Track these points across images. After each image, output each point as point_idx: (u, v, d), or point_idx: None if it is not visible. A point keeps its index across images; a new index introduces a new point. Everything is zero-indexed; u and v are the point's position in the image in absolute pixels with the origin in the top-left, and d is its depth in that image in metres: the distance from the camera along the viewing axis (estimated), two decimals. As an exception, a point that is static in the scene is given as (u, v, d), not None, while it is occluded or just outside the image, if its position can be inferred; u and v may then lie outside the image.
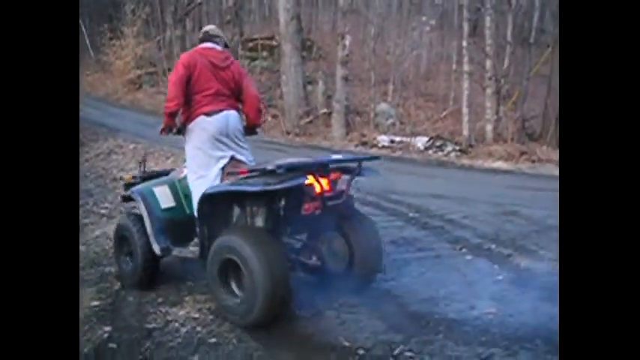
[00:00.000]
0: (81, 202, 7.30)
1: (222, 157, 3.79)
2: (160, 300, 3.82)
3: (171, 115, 3.80)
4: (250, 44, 21.96)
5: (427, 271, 4.35)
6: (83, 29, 30.77)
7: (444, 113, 16.85)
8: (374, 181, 7.21)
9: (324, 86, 16.65)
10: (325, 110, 16.03)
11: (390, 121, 15.64)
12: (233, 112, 3.89)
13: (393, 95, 17.89)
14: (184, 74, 3.73)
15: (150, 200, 3.96)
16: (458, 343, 3.08)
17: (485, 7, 14.12)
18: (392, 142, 13.83)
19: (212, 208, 3.56)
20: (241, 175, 3.40)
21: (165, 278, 4.19)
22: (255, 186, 3.13)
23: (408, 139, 13.68)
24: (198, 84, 3.77)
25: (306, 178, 3.22)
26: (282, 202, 3.44)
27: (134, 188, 4.15)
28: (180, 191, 4.06)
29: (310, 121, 15.91)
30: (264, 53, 21.60)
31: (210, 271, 3.41)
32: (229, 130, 3.83)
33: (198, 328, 3.31)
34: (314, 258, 3.67)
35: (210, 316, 3.47)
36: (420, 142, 13.41)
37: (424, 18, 19.03)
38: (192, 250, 3.86)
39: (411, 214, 6.36)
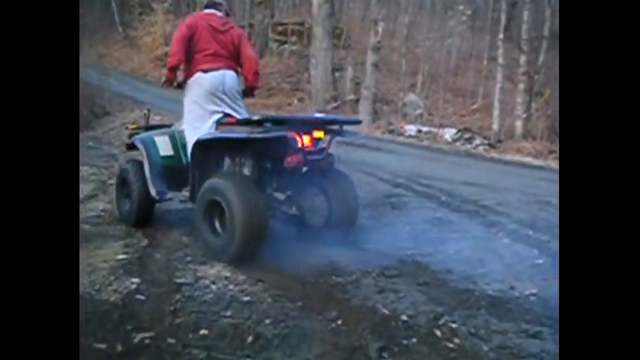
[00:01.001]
0: (106, 164, 7.25)
1: (216, 112, 4.10)
2: (188, 259, 3.68)
3: (172, 70, 4.13)
4: (280, 28, 21.84)
5: (464, 250, 4.18)
6: (113, 5, 30.82)
7: (473, 107, 16.60)
8: (402, 164, 7.19)
9: (352, 73, 16.46)
10: (352, 97, 15.84)
11: (418, 111, 15.43)
12: (230, 72, 4.19)
13: (421, 87, 17.66)
14: (186, 34, 4.08)
15: (150, 148, 4.30)
16: (502, 319, 2.93)
17: (524, 0, 13.82)
18: (419, 131, 13.62)
19: (203, 155, 3.93)
20: (231, 125, 3.77)
21: (193, 239, 4.06)
22: (240, 134, 3.58)
23: (436, 130, 13.45)
24: (199, 44, 4.11)
25: (289, 131, 3.45)
26: (267, 153, 3.70)
27: (137, 136, 4.50)
28: (179, 142, 4.38)
29: (337, 107, 15.73)
30: (294, 38, 21.46)
31: (197, 211, 3.77)
32: (225, 88, 4.13)
33: (230, 286, 3.16)
34: (294, 209, 4.03)
35: (242, 276, 3.33)
36: (448, 133, 13.18)
37: (461, 7, 18.74)
38: (184, 194, 4.20)
39: (443, 198, 6.17)
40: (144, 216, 4.44)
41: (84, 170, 6.55)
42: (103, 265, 3.44)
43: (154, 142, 4.33)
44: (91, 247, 3.82)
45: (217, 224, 3.70)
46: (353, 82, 16.20)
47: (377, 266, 3.64)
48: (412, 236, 4.48)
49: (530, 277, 3.68)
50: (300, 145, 3.51)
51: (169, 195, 4.24)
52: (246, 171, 3.84)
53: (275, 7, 23.45)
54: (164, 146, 4.35)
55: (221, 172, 3.93)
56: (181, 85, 4.28)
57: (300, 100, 16.90)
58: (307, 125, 3.66)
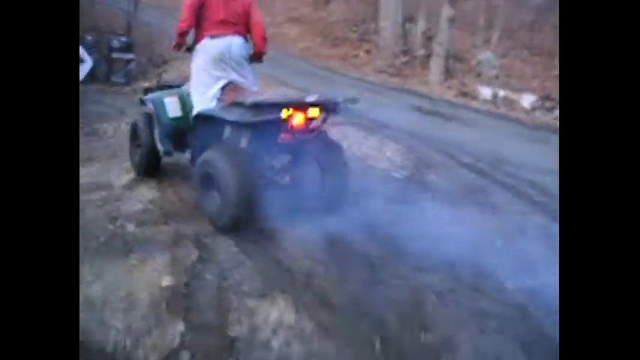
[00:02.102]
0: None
1: (221, 78, 4.24)
2: (244, 287, 3.07)
3: (182, 35, 4.28)
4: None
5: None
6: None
7: (556, 72, 15.23)
8: (480, 142, 7.24)
9: (424, 25, 15.31)
10: (423, 52, 14.77)
11: (494, 72, 14.24)
12: (237, 38, 4.29)
13: (497, 44, 16.34)
14: (197, 1, 4.17)
15: (160, 108, 4.51)
16: None
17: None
18: (495, 96, 12.54)
19: (204, 125, 4.14)
20: (226, 104, 4.01)
21: (250, 249, 3.45)
22: (232, 116, 3.83)
23: (513, 95, 12.35)
24: (208, 11, 4.22)
25: (279, 115, 3.68)
26: (263, 130, 3.87)
27: (148, 96, 4.72)
28: (188, 104, 4.49)
29: (406, 62, 14.72)
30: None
31: (196, 179, 4.02)
32: (231, 54, 4.26)
33: (296, 344, 2.54)
34: (287, 178, 4.22)
35: (311, 323, 2.68)
36: (527, 100, 12.06)
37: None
38: (187, 156, 4.43)
39: (536, 197, 5.34)
40: (151, 169, 4.82)
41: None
42: (144, 296, 2.85)
43: (162, 103, 4.53)
44: (133, 261, 3.24)
45: (213, 193, 3.85)
46: (424, 36, 15.06)
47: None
48: (511, 259, 3.72)
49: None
50: (290, 125, 3.80)
51: (174, 154, 4.57)
52: (244, 143, 4.00)
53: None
54: (173, 107, 4.54)
55: (217, 144, 4.04)
56: (191, 49, 4.39)
57: (368, 52, 15.91)
58: (300, 105, 3.82)
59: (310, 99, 3.86)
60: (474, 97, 12.51)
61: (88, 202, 4.11)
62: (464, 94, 12.73)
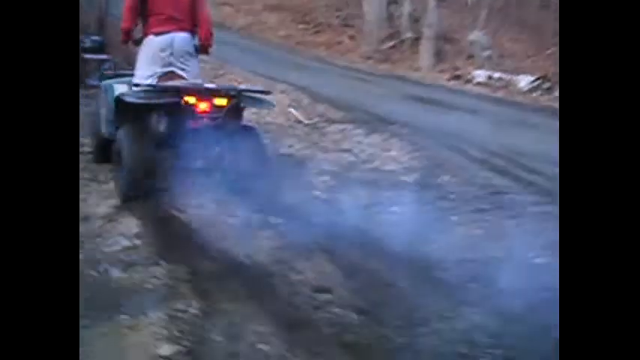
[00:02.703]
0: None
1: (160, 70, 4.52)
2: (262, 347, 2.52)
3: (126, 34, 4.67)
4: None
5: None
6: None
7: (549, 51, 14.70)
8: (487, 131, 7.11)
9: (410, 6, 14.71)
10: (410, 35, 14.20)
11: (487, 53, 13.70)
12: (180, 34, 4.57)
13: (485, 23, 15.78)
14: (136, 1, 4.50)
15: (109, 93, 4.73)
16: None
17: None
18: (490, 78, 12.04)
19: (126, 108, 4.35)
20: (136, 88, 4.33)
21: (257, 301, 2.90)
22: (133, 98, 4.20)
23: (509, 77, 11.85)
24: (153, 8, 4.51)
25: (176, 99, 4.09)
26: (175, 115, 4.19)
27: (103, 82, 5.07)
28: None
29: (393, 46, 14.15)
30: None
31: (115, 156, 4.45)
32: (174, 49, 4.54)
33: None
34: (199, 162, 4.29)
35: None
36: (524, 81, 11.58)
37: None
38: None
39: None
40: (101, 153, 4.98)
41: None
42: (138, 376, 2.29)
43: (112, 88, 4.72)
44: (122, 322, 2.67)
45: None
46: (411, 18, 14.48)
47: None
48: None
49: None
50: (197, 112, 4.16)
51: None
52: (162, 127, 4.27)
53: None
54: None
55: (129, 125, 4.33)
56: (139, 43, 4.68)
57: (352, 38, 15.31)
58: (206, 93, 4.21)
59: (209, 86, 4.44)
60: (468, 80, 12.04)
61: (64, 241, 3.51)
62: (457, 77, 12.23)
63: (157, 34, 4.50)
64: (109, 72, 5.32)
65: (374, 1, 14.35)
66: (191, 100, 4.10)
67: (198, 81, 4.60)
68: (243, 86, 5.00)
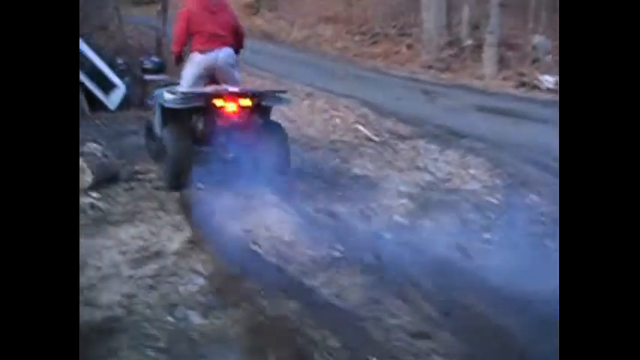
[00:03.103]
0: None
1: (204, 82, 5.09)
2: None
3: (177, 56, 5.28)
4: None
5: None
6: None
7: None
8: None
9: (470, 12, 14.24)
10: (470, 42, 13.73)
11: (550, 57, 13.10)
12: (223, 50, 5.06)
13: (546, 25, 15.13)
14: (185, 24, 5.02)
15: (159, 99, 5.20)
16: None
17: None
18: (557, 84, 11.46)
19: (168, 112, 4.96)
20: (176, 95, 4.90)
21: None
22: (171, 103, 4.85)
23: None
24: (196, 27, 4.99)
25: (202, 103, 4.73)
26: (209, 115, 4.77)
27: (154, 92, 5.69)
28: None
29: (454, 54, 13.70)
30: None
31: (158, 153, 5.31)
32: (217, 64, 5.05)
33: None
34: (230, 155, 4.82)
35: None
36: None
37: None
38: None
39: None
40: (156, 153, 5.49)
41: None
42: None
43: (161, 96, 5.14)
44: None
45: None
46: (471, 25, 14.01)
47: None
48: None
49: None
50: (225, 112, 4.71)
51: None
52: (200, 125, 4.86)
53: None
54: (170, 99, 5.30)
55: (167, 128, 4.94)
56: (184, 57, 5.22)
57: (409, 47, 14.93)
58: (231, 96, 4.74)
59: (232, 89, 4.89)
60: (536, 87, 11.49)
61: (137, 281, 3.28)
62: (523, 84, 11.70)
63: (203, 51, 5.01)
64: (162, 82, 5.91)
65: (433, 8, 13.95)
66: (219, 102, 4.69)
67: (234, 87, 5.03)
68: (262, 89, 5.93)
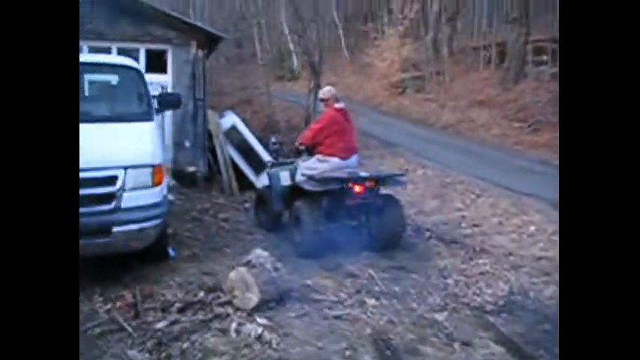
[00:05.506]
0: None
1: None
2: None
3: (303, 146, 6.26)
4: (535, 46, 18.33)
5: None
6: (339, 30, 29.67)
7: None
8: None
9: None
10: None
11: None
12: (354, 157, 6.14)
13: None
14: (326, 127, 5.99)
15: (275, 179, 6.48)
16: None
17: None
18: None
19: (302, 191, 5.99)
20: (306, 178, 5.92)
21: None
22: (306, 185, 5.84)
23: None
24: (337, 134, 5.95)
25: (339, 186, 5.60)
26: (335, 195, 5.68)
27: (268, 170, 6.82)
28: (295, 176, 6.31)
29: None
30: (545, 57, 17.80)
31: (289, 220, 6.19)
32: (348, 167, 6.01)
33: None
34: (355, 222, 5.94)
35: None
36: None
37: None
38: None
39: None
40: (273, 223, 6.70)
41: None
42: None
43: (278, 175, 6.41)
44: None
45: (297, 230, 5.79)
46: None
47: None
48: None
49: None
50: (355, 191, 5.60)
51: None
52: (325, 203, 5.76)
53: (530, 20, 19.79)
54: (285, 178, 6.41)
55: (304, 199, 5.85)
56: (309, 152, 6.19)
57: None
58: (360, 180, 5.69)
59: (362, 174, 5.81)
60: None
61: None
62: None
63: (343, 158, 5.94)
64: (273, 162, 6.88)
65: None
66: (350, 185, 5.59)
67: (355, 171, 5.95)
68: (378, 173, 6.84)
